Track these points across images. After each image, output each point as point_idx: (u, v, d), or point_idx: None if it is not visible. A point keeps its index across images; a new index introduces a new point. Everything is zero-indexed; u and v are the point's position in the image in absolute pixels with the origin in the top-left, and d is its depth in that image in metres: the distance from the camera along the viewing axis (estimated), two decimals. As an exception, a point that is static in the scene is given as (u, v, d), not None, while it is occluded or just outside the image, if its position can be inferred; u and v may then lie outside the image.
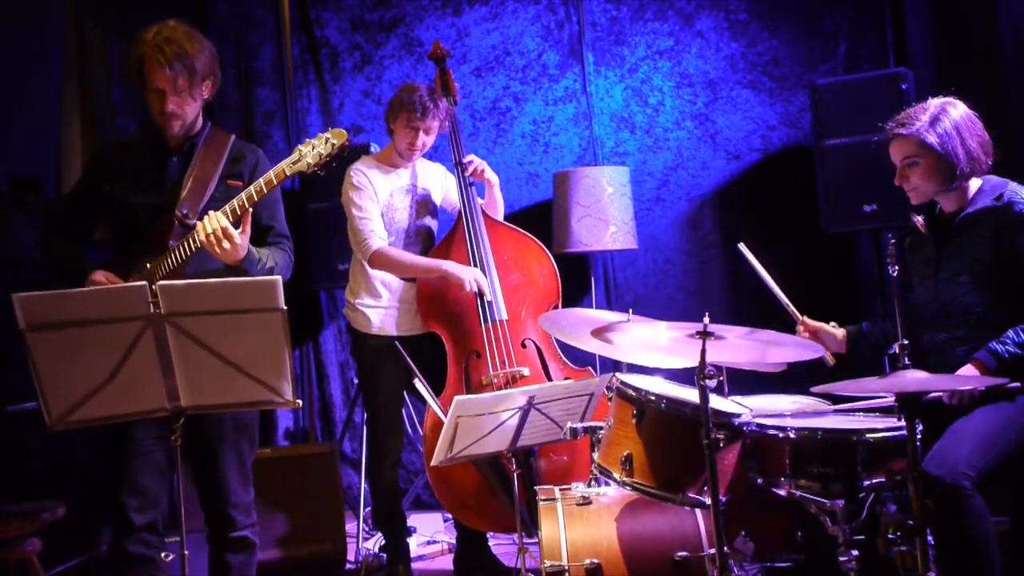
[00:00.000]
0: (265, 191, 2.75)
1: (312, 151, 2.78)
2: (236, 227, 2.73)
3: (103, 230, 3.00)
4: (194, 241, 2.73)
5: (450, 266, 3.61)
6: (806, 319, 3.07)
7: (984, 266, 2.79)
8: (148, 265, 2.79)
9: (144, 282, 2.33)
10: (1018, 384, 2.57)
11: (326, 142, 2.79)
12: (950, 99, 2.87)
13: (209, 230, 2.69)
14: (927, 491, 2.41)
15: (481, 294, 3.61)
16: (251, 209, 2.75)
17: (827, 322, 3.10)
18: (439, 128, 3.70)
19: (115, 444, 2.77)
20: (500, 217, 3.89)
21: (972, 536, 2.51)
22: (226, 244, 2.70)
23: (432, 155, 4.82)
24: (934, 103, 2.86)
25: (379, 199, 3.67)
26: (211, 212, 2.73)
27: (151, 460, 2.78)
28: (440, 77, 3.94)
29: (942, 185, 2.84)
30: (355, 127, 5.14)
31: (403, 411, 3.89)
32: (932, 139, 2.79)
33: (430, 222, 3.84)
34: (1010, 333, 2.69)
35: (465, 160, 3.80)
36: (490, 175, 3.83)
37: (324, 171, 2.81)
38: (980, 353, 2.70)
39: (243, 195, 2.74)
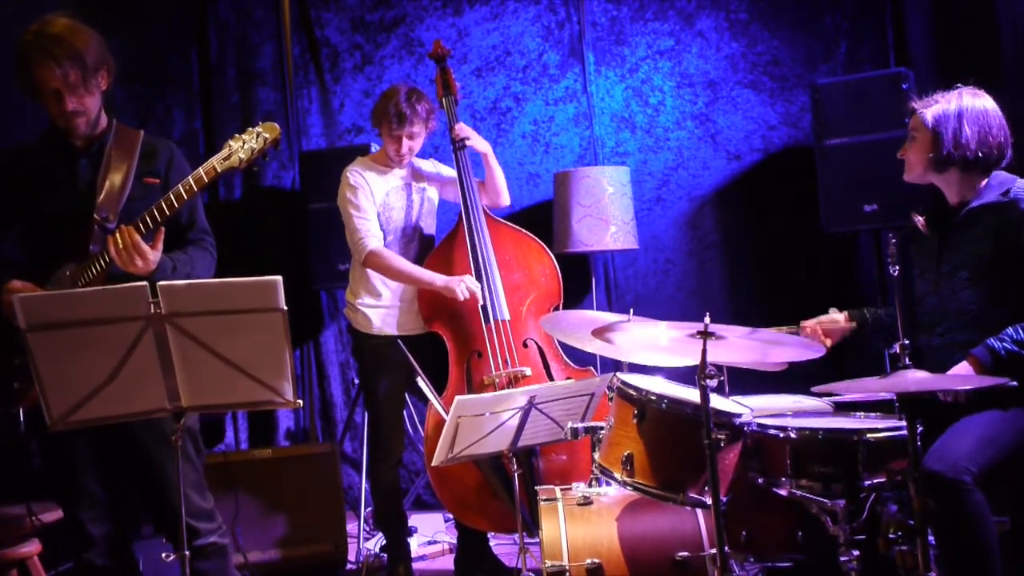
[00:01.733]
0: (195, 189, 2.68)
1: (243, 146, 2.71)
2: (153, 234, 2.67)
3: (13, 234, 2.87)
4: (104, 257, 2.68)
5: (440, 280, 3.59)
6: (804, 324, 3.06)
7: (984, 262, 2.79)
8: (68, 272, 2.73)
9: (145, 283, 2.33)
10: (1015, 383, 2.56)
11: (257, 136, 2.73)
12: (977, 90, 2.90)
13: (120, 245, 2.63)
14: (928, 487, 2.41)
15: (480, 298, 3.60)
16: (163, 224, 2.67)
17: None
18: (425, 129, 3.70)
19: (58, 460, 2.75)
20: (503, 187, 3.86)
21: (973, 531, 2.51)
22: (138, 261, 2.64)
23: (432, 155, 4.84)
24: (958, 90, 2.90)
25: (375, 199, 3.67)
26: (123, 226, 2.66)
27: (93, 467, 2.77)
28: (440, 76, 3.94)
29: (927, 164, 2.87)
30: (355, 127, 5.14)
31: (404, 411, 3.89)
32: (929, 117, 2.85)
33: (427, 221, 3.84)
34: (1009, 330, 2.68)
35: (456, 128, 3.79)
36: (481, 145, 3.81)
37: (256, 167, 2.76)
38: (976, 350, 2.69)
39: (171, 194, 2.68)
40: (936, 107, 2.86)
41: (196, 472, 2.88)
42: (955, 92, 2.89)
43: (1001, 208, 2.79)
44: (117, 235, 2.63)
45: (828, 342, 3.00)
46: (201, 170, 2.68)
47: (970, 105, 2.84)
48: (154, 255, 2.67)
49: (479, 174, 3.87)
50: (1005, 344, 2.66)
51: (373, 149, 4.34)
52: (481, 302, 3.61)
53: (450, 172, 3.90)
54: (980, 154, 2.81)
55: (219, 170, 2.69)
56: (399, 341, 3.46)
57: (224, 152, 2.71)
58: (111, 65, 2.80)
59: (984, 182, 2.87)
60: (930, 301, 2.91)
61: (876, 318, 3.06)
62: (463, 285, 3.55)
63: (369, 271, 3.69)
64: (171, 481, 2.73)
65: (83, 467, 2.76)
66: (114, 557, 2.76)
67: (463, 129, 3.80)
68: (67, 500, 2.78)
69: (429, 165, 3.91)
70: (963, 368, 2.68)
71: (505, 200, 3.88)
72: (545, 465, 3.50)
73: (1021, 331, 2.67)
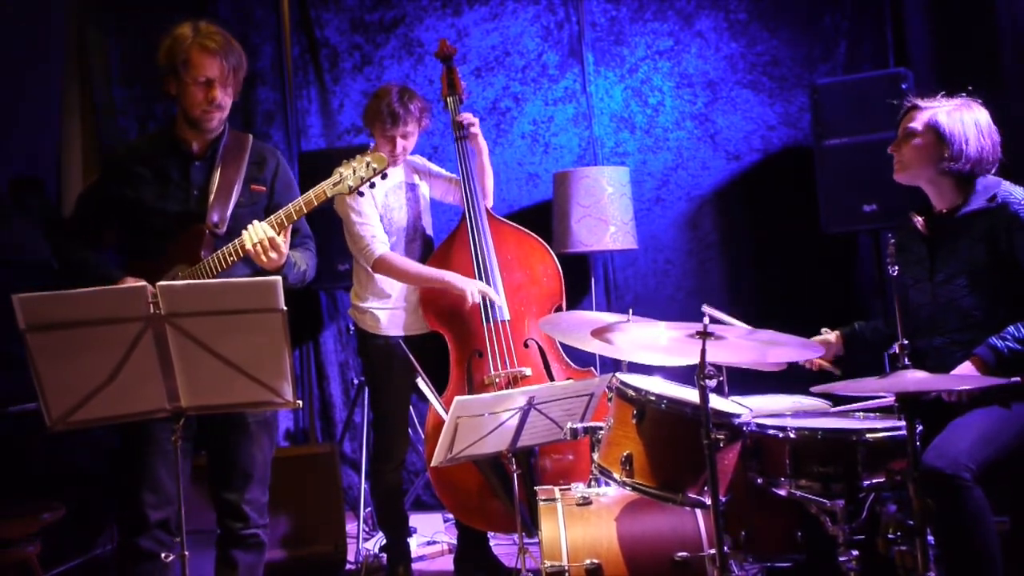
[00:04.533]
0: (305, 211, 2.80)
1: (353, 175, 2.83)
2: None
3: (114, 233, 2.96)
4: (230, 253, 2.77)
5: (454, 278, 3.59)
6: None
7: (980, 268, 2.78)
8: (180, 274, 2.79)
9: (144, 283, 2.33)
10: (1017, 379, 2.56)
11: (367, 166, 2.84)
12: (977, 102, 2.87)
13: (255, 239, 2.73)
14: (927, 484, 2.41)
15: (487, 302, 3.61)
16: (288, 225, 2.81)
17: (819, 329, 3.10)
18: (419, 128, 3.69)
19: (133, 441, 2.77)
20: (490, 188, 3.88)
21: (972, 528, 2.51)
22: (273, 254, 2.75)
23: (431, 156, 4.84)
24: (964, 98, 2.87)
25: (376, 201, 3.67)
26: (256, 222, 2.77)
27: (169, 458, 2.75)
28: (447, 75, 3.93)
29: (928, 165, 2.84)
30: (355, 127, 5.14)
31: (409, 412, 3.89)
32: (943, 120, 2.81)
33: (426, 219, 3.84)
34: (1010, 329, 2.68)
35: (462, 115, 3.80)
36: (481, 140, 3.83)
37: (362, 193, 2.89)
38: (979, 349, 2.69)
39: (282, 213, 2.79)
40: (947, 112, 2.82)
41: (266, 464, 2.95)
42: (961, 100, 2.85)
43: (991, 213, 2.79)
44: (251, 230, 2.75)
45: (819, 365, 3.03)
46: (312, 194, 2.81)
47: (982, 118, 2.82)
48: (286, 249, 2.79)
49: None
50: (1008, 343, 2.66)
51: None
52: (499, 302, 3.62)
53: (439, 169, 3.92)
54: (985, 165, 2.81)
55: (328, 195, 2.83)
56: (400, 341, 3.46)
57: (335, 178, 2.84)
58: (243, 80, 2.93)
59: (971, 187, 2.86)
60: (927, 311, 2.91)
61: (865, 332, 3.07)
62: (475, 288, 3.56)
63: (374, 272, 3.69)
64: (245, 471, 2.88)
65: (162, 455, 2.77)
66: (162, 546, 2.76)
67: (469, 117, 3.81)
68: (129, 481, 2.79)
69: (420, 161, 3.91)
70: (967, 368, 2.68)
71: (488, 202, 3.89)
72: (545, 465, 3.50)
73: (1023, 329, 2.67)
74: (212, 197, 2.84)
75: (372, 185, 2.87)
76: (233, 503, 2.87)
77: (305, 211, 2.80)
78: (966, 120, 2.81)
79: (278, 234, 2.77)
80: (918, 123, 2.86)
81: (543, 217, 4.62)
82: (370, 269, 3.65)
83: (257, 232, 2.74)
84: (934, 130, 2.82)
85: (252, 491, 2.89)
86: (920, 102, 2.90)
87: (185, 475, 2.58)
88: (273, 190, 2.97)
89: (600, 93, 4.93)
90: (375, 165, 2.83)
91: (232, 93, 2.87)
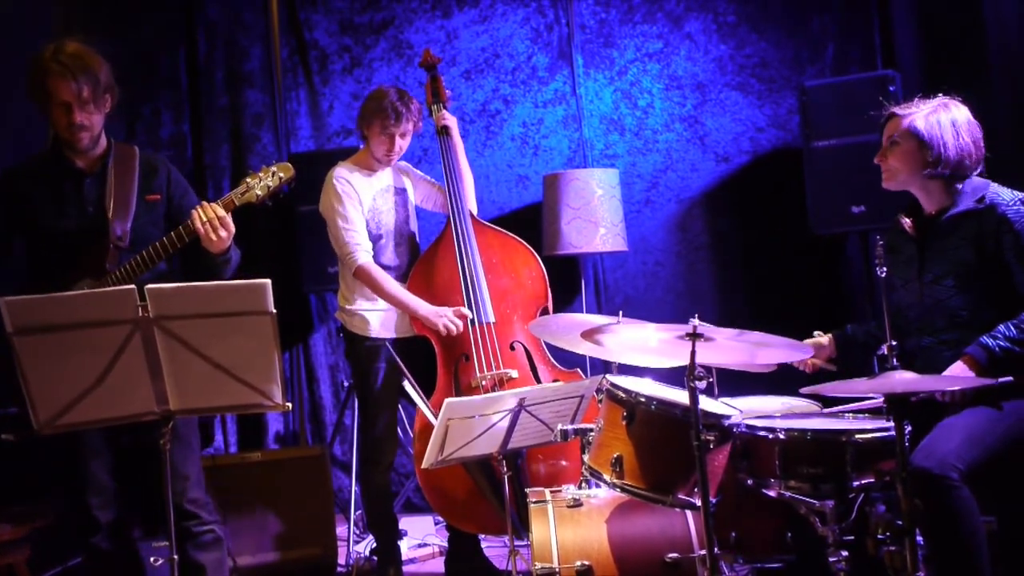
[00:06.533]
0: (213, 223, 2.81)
1: (260, 183, 2.87)
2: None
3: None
4: (179, 236, 2.78)
5: (425, 310, 3.58)
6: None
7: (968, 269, 2.79)
8: (86, 288, 2.76)
9: (132, 286, 2.33)
10: (1010, 378, 2.57)
11: (273, 175, 2.88)
12: (955, 100, 2.88)
13: (205, 219, 2.76)
14: (915, 484, 2.42)
15: (464, 321, 3.60)
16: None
17: (811, 331, 3.11)
18: (414, 129, 3.71)
19: (71, 448, 2.83)
20: (470, 188, 3.89)
21: (960, 528, 2.52)
22: (223, 232, 2.78)
23: (422, 159, 4.84)
24: (939, 99, 2.88)
25: (364, 205, 3.67)
26: (204, 203, 2.80)
27: (105, 459, 2.86)
28: (431, 84, 3.94)
29: (915, 172, 2.85)
30: (344, 129, 5.14)
31: (398, 414, 3.88)
32: (921, 125, 2.82)
33: (413, 223, 3.85)
34: (1001, 328, 2.69)
35: (442, 113, 3.87)
36: (456, 137, 3.88)
37: (272, 203, 2.91)
38: (971, 348, 2.69)
39: (230, 195, 2.85)
40: (924, 116, 2.82)
41: (199, 465, 2.98)
42: (938, 102, 2.87)
43: (979, 214, 2.80)
44: (199, 210, 2.78)
45: (815, 366, 3.04)
46: (220, 202, 2.84)
47: (962, 117, 2.83)
48: (233, 229, 2.82)
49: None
50: (999, 342, 2.66)
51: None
52: (471, 316, 3.62)
53: (423, 175, 3.94)
54: (969, 165, 2.82)
55: (237, 204, 2.86)
56: (387, 344, 3.46)
57: (242, 188, 2.88)
58: (116, 91, 2.93)
59: (959, 189, 2.87)
60: (915, 311, 2.91)
61: (857, 335, 3.08)
62: (445, 319, 3.56)
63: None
64: (184, 472, 2.88)
65: (94, 454, 2.85)
66: (117, 543, 2.84)
67: (447, 116, 3.86)
68: (76, 485, 2.87)
69: (405, 165, 3.92)
70: (959, 367, 2.69)
71: (471, 207, 3.88)
72: (535, 467, 3.50)
73: (1013, 328, 2.68)
74: (111, 212, 2.86)
75: (281, 195, 2.90)
76: (176, 506, 2.84)
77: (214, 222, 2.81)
78: (943, 122, 2.81)
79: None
80: (899, 129, 2.87)
81: (533, 219, 4.62)
82: (352, 274, 3.65)
83: (207, 212, 2.77)
84: (913, 136, 2.83)
85: (192, 491, 2.91)
86: (897, 110, 2.90)
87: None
88: (170, 197, 2.99)
89: (590, 95, 4.94)
90: (281, 175, 2.88)
91: (97, 110, 2.84)
